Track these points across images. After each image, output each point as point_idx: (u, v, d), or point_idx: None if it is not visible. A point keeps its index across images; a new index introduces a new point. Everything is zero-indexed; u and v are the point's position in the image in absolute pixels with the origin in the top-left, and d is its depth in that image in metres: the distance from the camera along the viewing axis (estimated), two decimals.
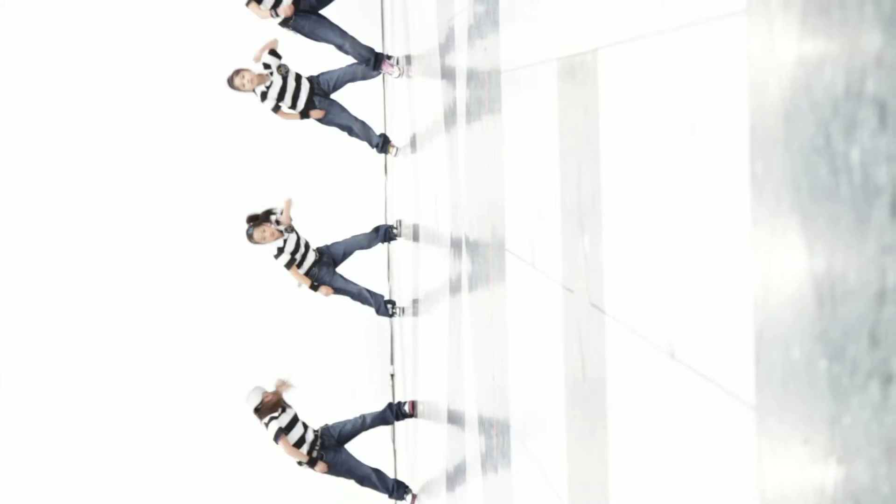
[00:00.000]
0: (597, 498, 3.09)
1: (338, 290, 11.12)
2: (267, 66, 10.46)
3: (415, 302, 10.32)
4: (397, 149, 11.11)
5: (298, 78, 10.53)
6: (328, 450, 10.38)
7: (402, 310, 11.39)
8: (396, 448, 13.58)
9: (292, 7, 10.09)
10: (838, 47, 1.51)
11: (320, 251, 11.00)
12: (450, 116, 6.87)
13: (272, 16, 10.16)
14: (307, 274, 10.91)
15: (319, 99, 10.60)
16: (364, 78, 10.69)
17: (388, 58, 10.58)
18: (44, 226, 13.66)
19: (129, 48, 13.52)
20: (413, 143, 10.14)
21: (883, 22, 1.38)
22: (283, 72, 10.46)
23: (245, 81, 10.38)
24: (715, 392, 2.10)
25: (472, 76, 5.66)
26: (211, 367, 13.70)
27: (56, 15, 13.54)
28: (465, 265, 6.20)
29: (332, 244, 11.13)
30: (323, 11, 10.27)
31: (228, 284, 12.98)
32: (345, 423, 10.54)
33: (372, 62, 10.43)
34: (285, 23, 10.21)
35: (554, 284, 3.57)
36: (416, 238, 10.10)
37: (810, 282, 1.63)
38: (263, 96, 10.52)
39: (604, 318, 2.93)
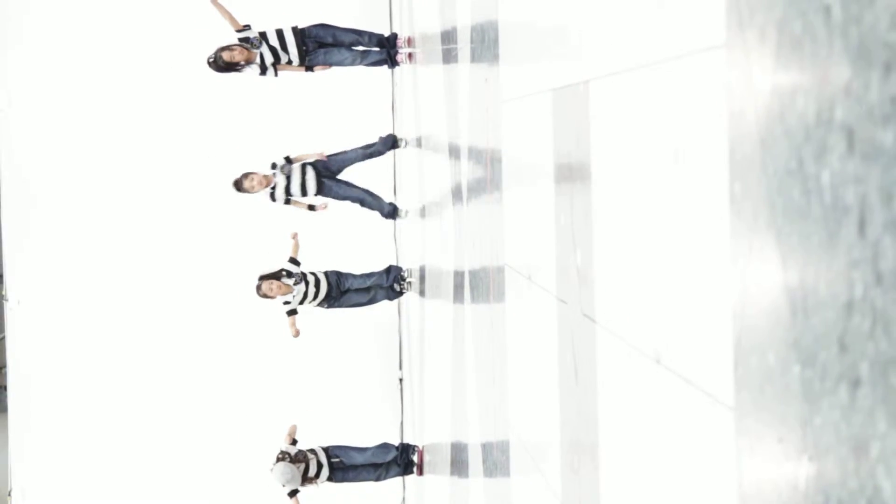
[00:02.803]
0: (589, 492, 3.08)
1: (353, 305, 11.11)
2: (273, 167, 10.47)
3: (422, 280, 10.22)
4: (406, 212, 11.11)
5: (303, 169, 10.48)
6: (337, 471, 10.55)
7: (410, 272, 11.28)
8: (403, 409, 13.52)
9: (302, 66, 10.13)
10: (810, 78, 1.52)
11: (329, 284, 10.92)
12: (453, 149, 6.88)
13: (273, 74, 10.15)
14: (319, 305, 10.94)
15: (329, 181, 10.54)
16: (373, 156, 10.68)
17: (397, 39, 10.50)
18: (49, 229, 13.44)
19: (134, 59, 13.26)
20: (421, 143, 10.14)
21: (850, 55, 1.39)
22: (287, 172, 10.43)
23: (255, 184, 10.36)
24: (697, 395, 2.10)
25: (472, 102, 5.66)
26: (219, 372, 13.54)
27: (57, 16, 13.31)
28: (468, 279, 6.20)
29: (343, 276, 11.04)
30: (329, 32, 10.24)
31: (237, 291, 12.81)
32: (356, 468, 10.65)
33: (390, 42, 10.36)
34: (309, 69, 10.21)
35: (549, 296, 3.57)
36: (422, 278, 10.08)
37: (784, 293, 1.63)
38: (272, 197, 10.51)
39: (595, 328, 2.93)
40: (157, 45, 13.18)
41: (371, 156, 10.68)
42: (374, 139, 10.82)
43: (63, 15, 13.18)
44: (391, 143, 10.79)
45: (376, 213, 11.01)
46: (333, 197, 10.61)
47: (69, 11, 13.18)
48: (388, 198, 11.53)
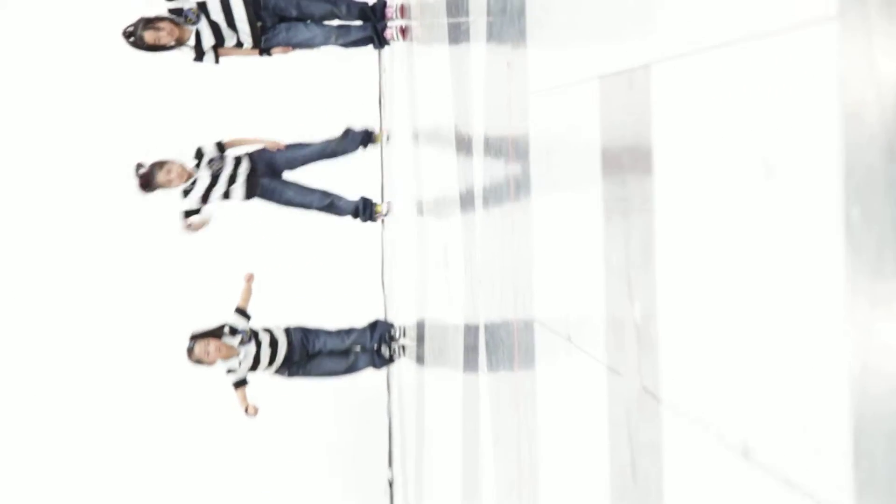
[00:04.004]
0: None
1: (325, 374, 11.13)
2: (198, 155, 10.51)
3: (420, 341, 10.28)
4: (388, 204, 11.13)
5: (236, 164, 10.52)
6: None
7: (403, 330, 11.32)
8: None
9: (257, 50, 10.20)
10: None
11: (290, 344, 10.94)
12: (464, 159, 6.90)
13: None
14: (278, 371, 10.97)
15: (269, 181, 10.56)
16: (335, 155, 10.71)
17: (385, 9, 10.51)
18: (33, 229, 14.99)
19: (102, 51, 14.16)
20: (419, 207, 10.17)
21: None
22: (216, 168, 10.46)
23: (173, 176, 10.38)
24: (802, 501, 2.09)
25: (490, 94, 5.69)
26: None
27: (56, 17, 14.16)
28: (484, 340, 6.20)
29: (311, 333, 11.07)
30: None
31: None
32: None
33: (377, 13, 10.37)
34: (265, 52, 10.26)
35: (596, 364, 3.56)
36: (420, 337, 10.09)
37: None
38: (185, 193, 10.52)
39: (659, 408, 2.93)
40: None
41: (332, 154, 10.71)
42: (338, 132, 10.84)
43: (30, 13, 14.10)
44: (361, 139, 10.82)
45: (341, 218, 11.03)
46: (273, 201, 10.62)
47: (38, 9, 14.05)
48: (354, 195, 11.43)
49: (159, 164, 10.36)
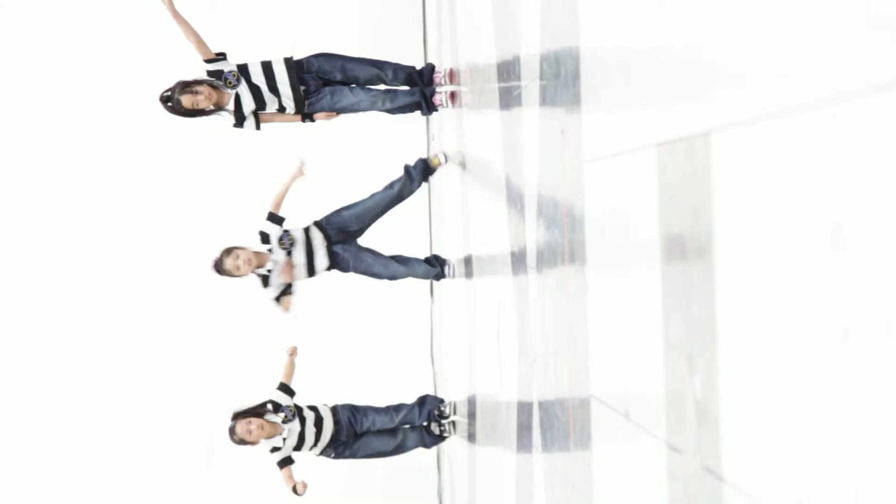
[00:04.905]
0: None
1: (373, 454, 11.12)
2: (265, 240, 10.55)
3: (471, 418, 10.26)
4: (453, 267, 11.13)
5: (308, 237, 10.55)
6: None
7: (453, 406, 11.29)
8: None
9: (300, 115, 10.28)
10: None
11: (337, 423, 10.96)
12: (516, 230, 6.90)
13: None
14: (323, 452, 11.00)
15: (343, 248, 10.60)
16: (400, 200, 10.73)
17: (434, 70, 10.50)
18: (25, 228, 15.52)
19: (113, 59, 14.67)
20: (468, 263, 10.18)
21: None
22: (287, 244, 10.49)
23: (240, 263, 10.38)
24: None
25: (544, 162, 5.69)
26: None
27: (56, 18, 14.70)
28: (538, 418, 6.19)
29: (360, 410, 11.10)
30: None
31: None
32: None
33: (425, 77, 10.36)
34: (308, 117, 10.27)
35: (655, 442, 3.55)
36: (471, 415, 10.06)
37: None
38: (265, 280, 10.56)
39: (722, 488, 2.91)
40: (136, 48, 14.28)
41: (399, 198, 10.73)
42: (396, 176, 10.86)
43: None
44: (423, 172, 10.82)
45: (418, 281, 11.10)
46: (358, 272, 10.65)
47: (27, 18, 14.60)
48: (424, 253, 11.59)
49: (227, 251, 10.36)
